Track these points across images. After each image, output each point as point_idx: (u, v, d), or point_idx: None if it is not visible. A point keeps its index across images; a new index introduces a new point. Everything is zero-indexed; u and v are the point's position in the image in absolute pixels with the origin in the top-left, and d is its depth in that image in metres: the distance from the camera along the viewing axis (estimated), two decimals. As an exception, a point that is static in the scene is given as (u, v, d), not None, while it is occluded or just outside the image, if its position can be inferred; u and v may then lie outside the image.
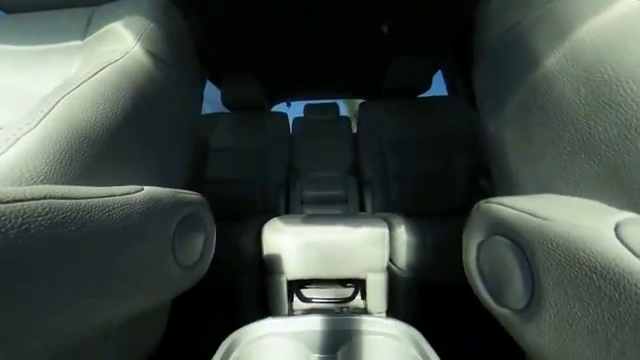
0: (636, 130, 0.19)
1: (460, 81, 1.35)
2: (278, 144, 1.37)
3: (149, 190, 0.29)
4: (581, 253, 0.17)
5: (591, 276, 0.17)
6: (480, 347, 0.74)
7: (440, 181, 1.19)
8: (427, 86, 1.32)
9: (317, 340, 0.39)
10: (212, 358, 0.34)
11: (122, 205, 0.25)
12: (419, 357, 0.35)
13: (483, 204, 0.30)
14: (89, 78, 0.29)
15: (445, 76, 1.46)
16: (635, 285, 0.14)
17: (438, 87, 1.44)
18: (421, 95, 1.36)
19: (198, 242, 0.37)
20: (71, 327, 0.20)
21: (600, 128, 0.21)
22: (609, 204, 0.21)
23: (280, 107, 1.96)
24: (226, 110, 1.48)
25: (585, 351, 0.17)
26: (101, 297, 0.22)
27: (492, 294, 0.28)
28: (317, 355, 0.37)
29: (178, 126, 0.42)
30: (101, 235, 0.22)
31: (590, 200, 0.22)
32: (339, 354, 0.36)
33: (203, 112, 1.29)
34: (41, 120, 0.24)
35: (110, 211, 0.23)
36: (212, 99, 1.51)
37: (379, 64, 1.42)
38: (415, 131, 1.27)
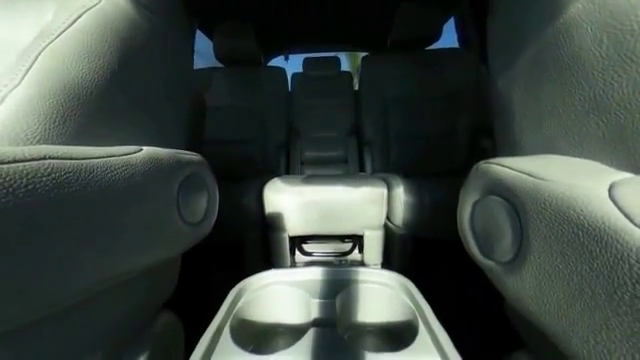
0: None
1: (473, 32, 1.24)
2: (276, 102, 1.32)
3: (148, 150, 0.29)
4: (572, 212, 0.18)
5: (577, 233, 0.18)
6: (465, 295, 0.81)
7: (442, 142, 1.17)
8: (436, 37, 1.21)
9: (317, 287, 0.42)
10: (223, 303, 0.38)
11: (123, 165, 0.25)
12: (409, 303, 0.38)
13: (482, 165, 0.30)
14: (68, 27, 0.26)
15: (457, 26, 1.34)
16: (616, 240, 0.15)
17: (449, 37, 1.32)
18: (430, 47, 1.26)
19: (202, 201, 0.38)
20: (85, 280, 0.22)
21: (615, 84, 0.20)
22: (609, 164, 0.21)
23: (277, 62, 1.84)
24: (219, 65, 1.39)
25: (559, 296, 0.19)
26: (112, 252, 0.24)
27: (481, 249, 0.29)
28: (317, 300, 0.41)
29: (171, 82, 0.40)
30: (105, 195, 0.23)
31: (590, 161, 0.22)
32: (337, 299, 0.40)
33: (195, 67, 1.22)
34: (25, 75, 0.22)
35: (112, 172, 0.23)
36: (204, 52, 1.41)
37: (384, 12, 1.28)
38: (419, 87, 1.21)
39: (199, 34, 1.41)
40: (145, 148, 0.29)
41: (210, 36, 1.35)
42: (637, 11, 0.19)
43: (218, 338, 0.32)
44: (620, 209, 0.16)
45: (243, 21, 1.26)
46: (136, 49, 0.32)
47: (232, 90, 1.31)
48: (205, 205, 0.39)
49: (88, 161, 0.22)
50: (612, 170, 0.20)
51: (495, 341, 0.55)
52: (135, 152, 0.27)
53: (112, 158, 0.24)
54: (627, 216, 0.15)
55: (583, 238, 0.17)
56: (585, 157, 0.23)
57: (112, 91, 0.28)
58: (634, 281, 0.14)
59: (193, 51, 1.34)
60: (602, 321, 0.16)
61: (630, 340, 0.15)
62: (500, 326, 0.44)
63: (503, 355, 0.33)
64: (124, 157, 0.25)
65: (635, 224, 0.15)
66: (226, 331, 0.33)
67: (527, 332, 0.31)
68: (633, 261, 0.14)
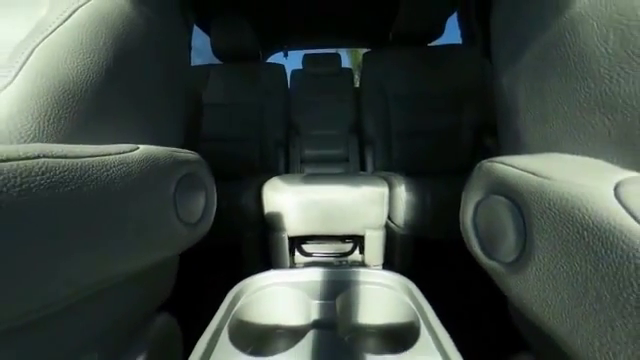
0: None
1: (477, 27, 1.24)
2: (275, 99, 1.32)
3: (144, 149, 0.29)
4: (576, 211, 0.18)
5: (582, 233, 0.18)
6: (468, 295, 0.82)
7: (445, 139, 1.17)
8: (439, 32, 1.21)
9: (317, 289, 0.42)
10: (221, 305, 0.38)
11: (119, 164, 0.25)
12: (411, 304, 0.38)
13: (485, 163, 0.30)
14: (62, 22, 0.26)
15: (460, 21, 1.33)
16: (622, 240, 0.15)
17: (453, 33, 1.32)
18: (432, 43, 1.26)
19: (199, 200, 0.38)
20: (80, 281, 0.22)
21: (622, 81, 0.20)
22: (615, 163, 0.21)
23: (277, 58, 1.83)
24: (217, 61, 1.39)
25: (563, 297, 0.19)
26: (108, 253, 0.24)
27: (484, 249, 0.30)
28: (317, 301, 0.41)
29: (167, 79, 0.40)
30: (101, 195, 0.23)
31: (596, 159, 0.22)
32: (337, 301, 0.40)
33: (192, 63, 1.22)
34: (18, 72, 0.22)
35: (107, 170, 0.23)
36: (200, 48, 1.40)
37: (386, 7, 1.28)
38: (422, 84, 1.21)
39: (199, 31, 1.40)
40: (141, 146, 0.29)
41: (208, 32, 1.35)
42: None
43: (216, 340, 0.33)
44: (626, 208, 0.16)
45: (241, 16, 1.26)
46: (131, 45, 0.32)
47: (230, 87, 1.31)
48: (203, 204, 0.39)
49: (83, 160, 0.22)
50: (618, 169, 0.20)
51: (498, 342, 0.55)
52: (131, 150, 0.27)
53: (107, 157, 0.24)
54: (633, 216, 0.15)
55: (588, 238, 0.17)
56: (590, 156, 0.23)
57: (107, 88, 0.28)
58: None
59: (190, 47, 1.34)
60: (607, 322, 0.16)
61: (635, 342, 0.15)
62: (503, 327, 0.45)
63: (506, 356, 0.33)
64: (120, 155, 0.25)
65: None
66: (224, 333, 0.34)
67: (530, 333, 0.31)
68: (639, 262, 0.14)
